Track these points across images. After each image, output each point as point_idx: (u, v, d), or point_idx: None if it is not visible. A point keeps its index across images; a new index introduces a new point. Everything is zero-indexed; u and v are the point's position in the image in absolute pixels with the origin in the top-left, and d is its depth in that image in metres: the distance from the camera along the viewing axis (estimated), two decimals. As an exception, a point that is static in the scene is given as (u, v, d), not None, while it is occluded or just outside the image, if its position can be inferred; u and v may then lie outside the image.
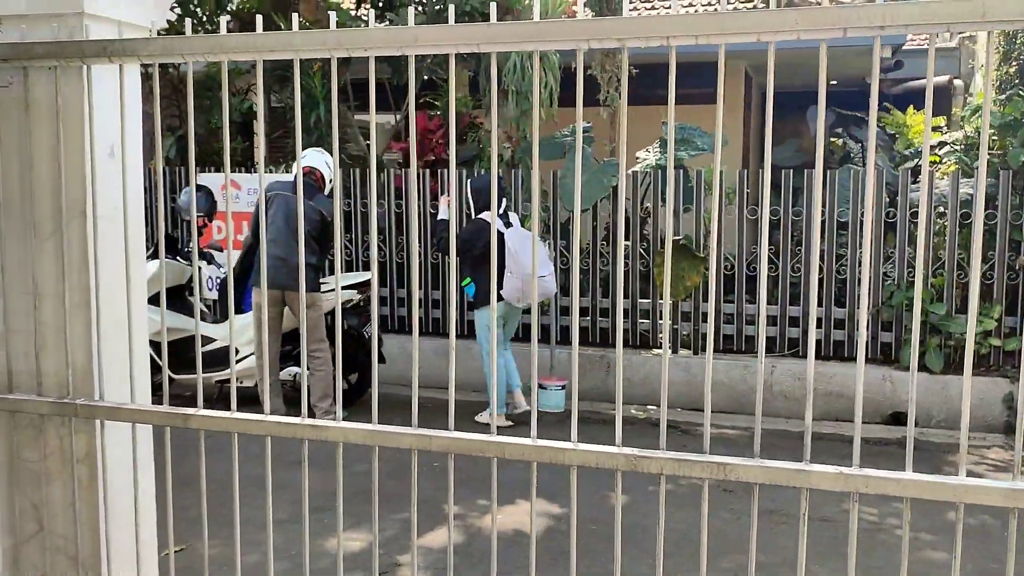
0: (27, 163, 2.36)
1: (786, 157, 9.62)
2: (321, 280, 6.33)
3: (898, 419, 6.64)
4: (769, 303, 7.10)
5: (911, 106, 9.67)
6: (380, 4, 8.70)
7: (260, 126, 2.24)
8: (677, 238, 7.00)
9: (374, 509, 2.25)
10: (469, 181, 6.71)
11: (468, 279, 6.39)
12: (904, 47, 10.72)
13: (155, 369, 6.77)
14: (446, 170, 7.78)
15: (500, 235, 6.37)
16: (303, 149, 6.74)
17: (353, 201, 7.93)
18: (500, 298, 6.28)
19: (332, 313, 6.61)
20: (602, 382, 7.21)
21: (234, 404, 2.30)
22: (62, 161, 2.31)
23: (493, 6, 2.00)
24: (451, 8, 1.99)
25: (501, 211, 6.43)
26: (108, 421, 2.37)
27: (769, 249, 7.08)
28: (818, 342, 7.04)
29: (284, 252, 5.95)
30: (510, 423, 6.46)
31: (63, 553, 2.48)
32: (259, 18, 2.15)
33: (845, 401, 6.68)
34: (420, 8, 8.26)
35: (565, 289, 7.52)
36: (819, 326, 7.05)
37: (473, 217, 6.45)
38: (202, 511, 2.38)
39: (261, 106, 2.22)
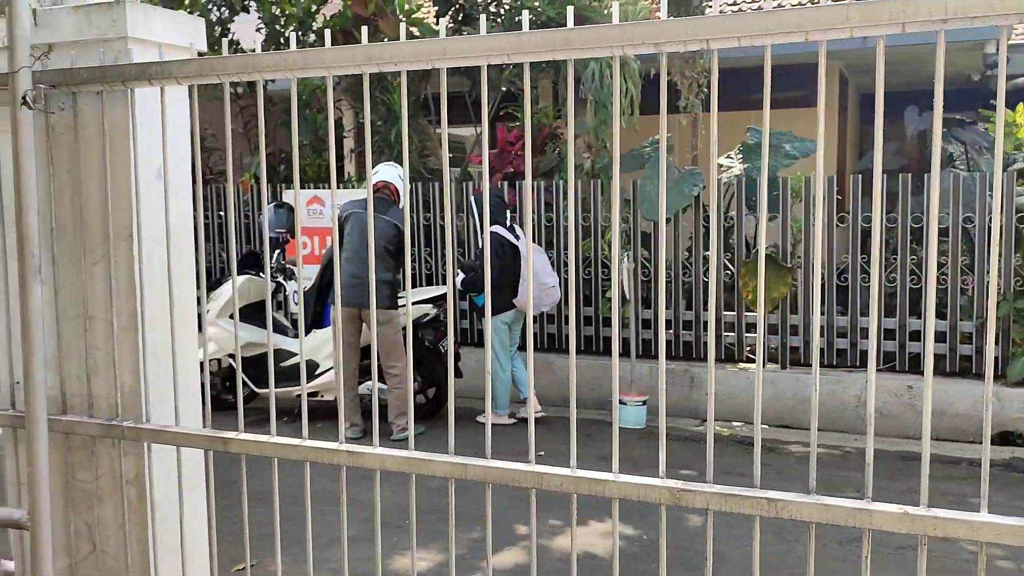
0: (78, 187, 2.39)
1: (882, 160, 9.17)
2: (400, 294, 6.35)
3: (1006, 439, 6.21)
4: (862, 314, 6.75)
5: (1021, 104, 9.10)
6: (460, 17, 8.71)
7: (295, 147, 2.21)
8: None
9: (412, 538, 2.18)
10: (473, 197, 7.11)
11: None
12: (1011, 41, 10.12)
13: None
14: (521, 182, 7.71)
15: (514, 247, 6.62)
16: (377, 164, 6.81)
17: (432, 215, 7.96)
18: (512, 306, 6.63)
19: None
20: (685, 397, 7.00)
21: (273, 428, 2.27)
22: (109, 184, 2.33)
23: (525, 14, 1.90)
24: (482, 19, 1.91)
25: (508, 224, 6.77)
26: (156, 444, 2.37)
27: (861, 258, 6.73)
28: (917, 356, 6.66)
29: (360, 269, 5.97)
30: (513, 421, 6.76)
31: (115, 573, 2.49)
32: (292, 36, 2.12)
33: (947, 419, 6.28)
34: (497, 20, 8.23)
35: (648, 301, 7.35)
36: (915, 339, 6.67)
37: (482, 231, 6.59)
38: (244, 531, 2.35)
39: (295, 124, 2.18)
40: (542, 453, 5.40)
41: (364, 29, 2.34)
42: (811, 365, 5.74)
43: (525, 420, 6.65)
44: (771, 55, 1.67)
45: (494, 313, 6.58)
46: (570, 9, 1.82)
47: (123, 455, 2.41)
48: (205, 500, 2.55)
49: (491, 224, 6.60)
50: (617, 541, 1.94)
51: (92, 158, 2.36)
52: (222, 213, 8.77)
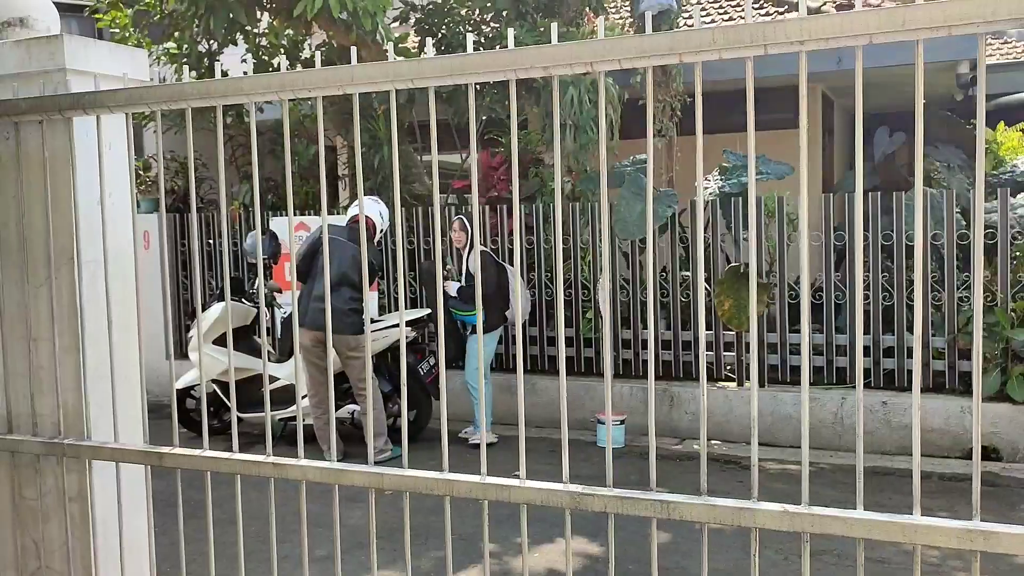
0: (22, 213, 2.48)
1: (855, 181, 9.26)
2: (375, 319, 6.43)
3: (982, 453, 6.23)
4: (838, 332, 6.82)
5: (1001, 122, 9.22)
6: (443, 48, 8.86)
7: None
8: (735, 265, 6.80)
9: (336, 550, 2.24)
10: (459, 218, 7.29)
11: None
12: (991, 61, 10.24)
13: (225, 408, 7.02)
14: (504, 206, 7.81)
15: (501, 265, 6.89)
16: (365, 193, 6.92)
17: (416, 239, 8.04)
18: (505, 319, 6.80)
19: (391, 350, 6.67)
20: (665, 416, 7.04)
21: (206, 443, 2.34)
22: (51, 210, 2.42)
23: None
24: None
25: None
26: (97, 461, 2.44)
27: (836, 276, 6.82)
28: (892, 372, 6.72)
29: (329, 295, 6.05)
30: (495, 439, 6.78)
31: (60, 589, 2.56)
32: (218, 66, 2.22)
33: (922, 434, 6.31)
34: (479, 47, 8.36)
35: (627, 320, 7.40)
36: (893, 355, 6.73)
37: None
38: (179, 546, 2.42)
39: (220, 150, 2.27)
40: (517, 474, 5.44)
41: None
42: (788, 382, 5.75)
43: (508, 439, 6.72)
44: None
45: (487, 330, 6.68)
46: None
47: (66, 472, 2.49)
48: (145, 517, 2.63)
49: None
50: (526, 549, 2.00)
51: (35, 185, 2.46)
52: (211, 241, 8.88)
